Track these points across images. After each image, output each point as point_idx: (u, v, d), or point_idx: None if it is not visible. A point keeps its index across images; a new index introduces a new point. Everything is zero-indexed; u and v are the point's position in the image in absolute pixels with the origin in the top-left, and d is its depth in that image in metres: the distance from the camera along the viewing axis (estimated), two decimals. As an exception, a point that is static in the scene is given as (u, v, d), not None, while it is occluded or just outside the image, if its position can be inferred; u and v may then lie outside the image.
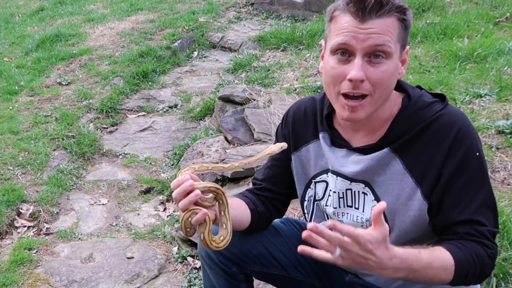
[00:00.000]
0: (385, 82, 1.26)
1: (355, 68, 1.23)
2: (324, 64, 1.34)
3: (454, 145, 1.27)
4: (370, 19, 1.21)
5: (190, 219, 1.26)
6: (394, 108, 1.35)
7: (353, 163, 1.38)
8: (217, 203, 1.34)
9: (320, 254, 1.10)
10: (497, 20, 4.42)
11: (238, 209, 1.54)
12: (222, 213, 1.33)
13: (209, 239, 1.29)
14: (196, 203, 1.26)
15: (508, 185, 2.41)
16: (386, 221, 1.36)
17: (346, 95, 1.27)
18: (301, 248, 1.10)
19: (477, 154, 1.28)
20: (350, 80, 1.24)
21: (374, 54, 1.23)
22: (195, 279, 2.60)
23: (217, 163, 3.23)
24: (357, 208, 1.43)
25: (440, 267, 1.21)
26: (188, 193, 1.24)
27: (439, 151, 1.28)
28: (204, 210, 1.25)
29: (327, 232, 1.08)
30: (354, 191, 1.42)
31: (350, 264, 1.12)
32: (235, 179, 3.10)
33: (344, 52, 1.25)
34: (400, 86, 1.39)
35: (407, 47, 1.32)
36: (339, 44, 1.25)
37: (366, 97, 1.26)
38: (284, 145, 1.41)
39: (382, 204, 1.10)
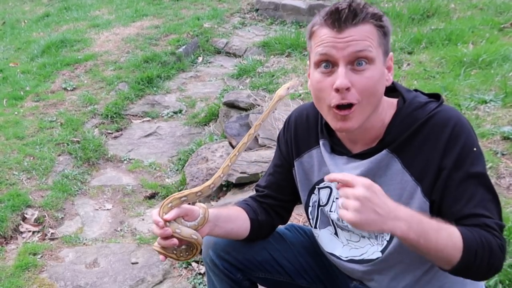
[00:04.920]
0: (372, 88, 1.26)
1: (340, 77, 1.24)
2: (311, 80, 1.35)
3: (451, 140, 1.27)
4: (347, 28, 1.24)
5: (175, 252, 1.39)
6: (389, 112, 1.36)
7: (353, 169, 1.38)
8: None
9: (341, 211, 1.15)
10: (502, 26, 4.42)
11: (237, 221, 1.55)
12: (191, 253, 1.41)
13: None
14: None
15: (514, 191, 2.41)
16: None
17: (336, 106, 1.28)
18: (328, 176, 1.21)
19: (474, 149, 1.28)
20: (337, 90, 1.25)
21: (357, 62, 1.25)
22: (199, 284, 2.59)
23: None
24: None
25: (449, 238, 1.19)
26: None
27: (436, 148, 1.29)
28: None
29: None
30: None
31: (362, 217, 1.11)
32: (240, 184, 3.11)
33: (327, 65, 1.27)
34: (395, 90, 1.41)
35: (391, 53, 1.34)
36: (321, 55, 1.27)
37: (354, 106, 1.26)
38: (290, 83, 1.47)
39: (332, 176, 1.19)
